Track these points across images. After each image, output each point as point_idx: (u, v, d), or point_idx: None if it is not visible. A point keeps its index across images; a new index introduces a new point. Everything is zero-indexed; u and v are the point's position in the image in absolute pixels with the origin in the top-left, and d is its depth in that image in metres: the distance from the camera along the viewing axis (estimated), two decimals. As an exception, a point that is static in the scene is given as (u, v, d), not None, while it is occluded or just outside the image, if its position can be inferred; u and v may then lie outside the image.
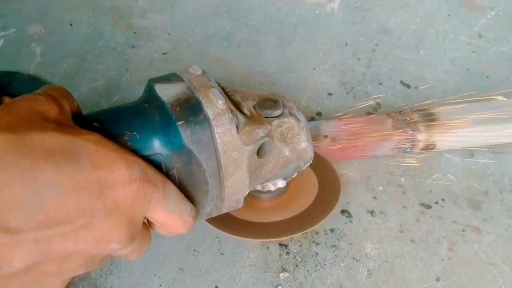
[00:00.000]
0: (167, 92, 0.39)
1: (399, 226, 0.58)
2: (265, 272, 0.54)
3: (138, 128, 0.38)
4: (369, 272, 0.54)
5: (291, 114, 0.44)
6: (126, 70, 0.74)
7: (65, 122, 0.35)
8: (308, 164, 0.48)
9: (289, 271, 0.54)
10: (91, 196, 0.32)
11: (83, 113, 0.40)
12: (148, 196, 0.35)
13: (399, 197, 0.60)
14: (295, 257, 0.55)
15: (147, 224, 0.39)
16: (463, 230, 0.58)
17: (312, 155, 0.47)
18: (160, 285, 0.53)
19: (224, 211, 0.44)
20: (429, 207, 0.60)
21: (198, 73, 0.42)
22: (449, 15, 0.80)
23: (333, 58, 0.75)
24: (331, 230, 0.58)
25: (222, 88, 0.43)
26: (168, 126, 0.38)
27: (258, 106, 0.43)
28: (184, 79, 0.41)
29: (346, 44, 0.77)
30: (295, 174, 0.49)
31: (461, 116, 0.62)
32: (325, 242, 0.57)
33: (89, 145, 0.33)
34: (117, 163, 0.33)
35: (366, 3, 0.82)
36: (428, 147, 0.62)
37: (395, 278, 0.54)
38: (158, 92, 0.39)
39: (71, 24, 0.79)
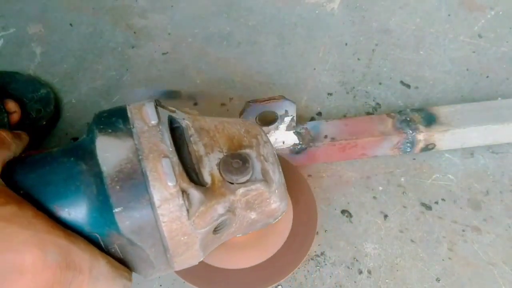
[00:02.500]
0: (108, 156, 0.33)
1: (399, 226, 0.58)
2: (265, 272, 0.54)
3: (70, 203, 0.33)
4: (369, 272, 0.54)
5: (263, 174, 0.37)
6: (126, 70, 0.74)
7: None
8: (280, 217, 0.42)
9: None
10: None
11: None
12: (68, 281, 0.30)
13: (399, 197, 0.60)
14: (295, 257, 0.55)
15: None
16: (463, 230, 0.58)
17: (285, 209, 0.41)
18: (160, 285, 0.53)
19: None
20: (429, 207, 0.60)
21: (153, 122, 0.35)
22: (449, 15, 0.80)
23: (333, 58, 0.75)
24: (331, 230, 0.58)
25: (184, 133, 0.37)
26: (104, 210, 0.32)
27: (223, 167, 0.36)
28: (134, 132, 0.34)
29: (346, 44, 0.77)
30: None
31: (461, 116, 0.62)
32: (325, 242, 0.57)
33: None
34: (28, 245, 0.28)
35: (366, 3, 0.82)
36: (428, 147, 0.62)
37: (395, 278, 0.54)
38: (98, 154, 0.33)
39: (71, 24, 0.79)
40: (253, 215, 0.39)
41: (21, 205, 0.30)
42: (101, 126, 0.35)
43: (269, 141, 0.40)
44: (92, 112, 0.70)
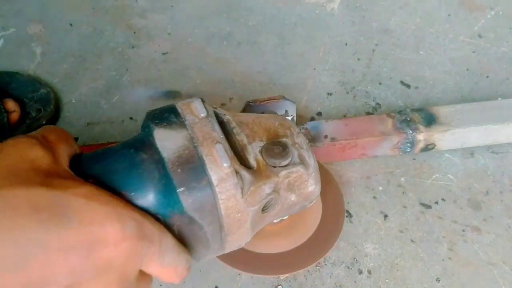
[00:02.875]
0: (167, 144, 0.36)
1: (399, 226, 0.58)
2: (265, 272, 0.54)
3: (135, 188, 0.35)
4: (369, 272, 0.54)
5: (301, 159, 0.42)
6: (126, 70, 0.74)
7: (58, 171, 0.33)
8: (315, 201, 0.46)
9: (289, 271, 0.54)
10: (80, 256, 0.30)
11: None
12: (142, 252, 0.33)
13: (399, 197, 0.60)
14: (295, 257, 0.55)
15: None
16: (463, 230, 0.58)
17: (319, 193, 0.45)
18: (160, 285, 0.53)
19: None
20: (429, 207, 0.60)
21: (202, 115, 0.38)
22: (449, 15, 0.80)
23: (333, 58, 0.75)
24: (331, 230, 0.58)
25: (226, 126, 0.40)
26: (168, 191, 0.35)
27: (265, 153, 0.40)
28: (186, 124, 0.38)
29: (346, 44, 0.77)
30: None
31: (461, 116, 0.62)
32: (325, 242, 0.57)
33: (78, 200, 0.31)
34: (109, 219, 0.31)
35: (366, 3, 0.82)
36: (428, 147, 0.62)
37: (395, 278, 0.54)
38: (157, 143, 0.37)
39: (71, 24, 0.79)
40: (293, 197, 0.42)
41: (96, 186, 0.33)
42: (156, 121, 0.38)
43: (301, 132, 0.45)
44: (92, 112, 0.71)
